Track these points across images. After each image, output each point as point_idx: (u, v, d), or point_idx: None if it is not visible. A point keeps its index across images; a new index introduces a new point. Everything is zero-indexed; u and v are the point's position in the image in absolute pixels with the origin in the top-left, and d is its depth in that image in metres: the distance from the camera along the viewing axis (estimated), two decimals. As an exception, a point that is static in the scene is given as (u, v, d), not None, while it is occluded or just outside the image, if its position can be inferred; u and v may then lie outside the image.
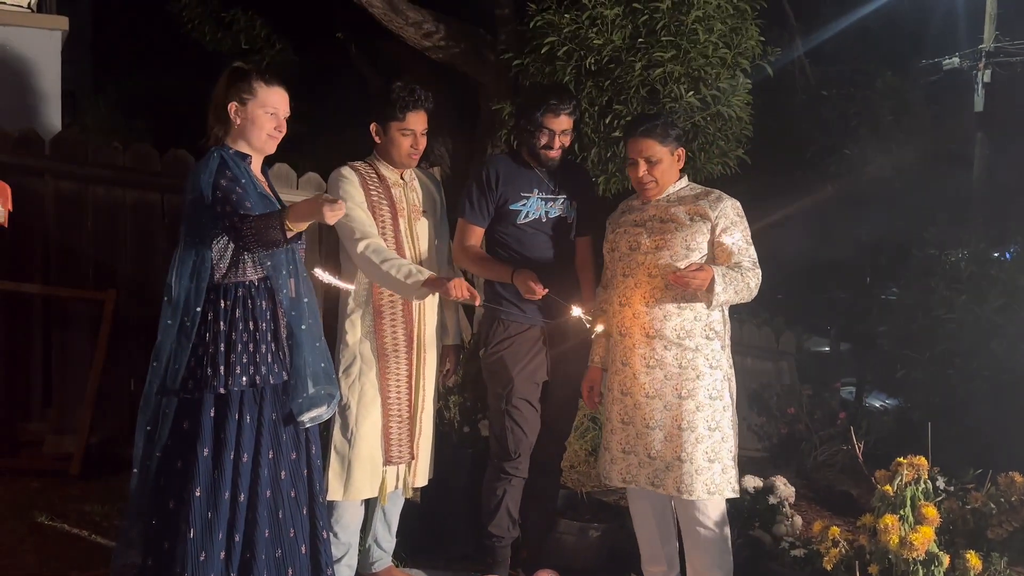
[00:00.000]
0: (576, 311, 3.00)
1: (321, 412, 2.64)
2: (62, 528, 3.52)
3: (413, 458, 3.14)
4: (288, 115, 2.65)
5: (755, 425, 5.77)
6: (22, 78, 5.00)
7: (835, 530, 2.76)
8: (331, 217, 2.39)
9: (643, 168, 3.04)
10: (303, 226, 2.44)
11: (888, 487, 2.68)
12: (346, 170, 3.11)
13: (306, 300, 2.62)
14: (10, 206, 1.74)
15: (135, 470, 2.50)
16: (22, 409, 4.44)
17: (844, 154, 8.28)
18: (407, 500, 3.36)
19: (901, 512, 2.62)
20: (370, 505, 3.24)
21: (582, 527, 3.50)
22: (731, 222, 3.00)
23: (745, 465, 5.55)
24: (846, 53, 8.52)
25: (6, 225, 1.79)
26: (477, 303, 2.96)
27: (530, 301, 3.13)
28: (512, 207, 3.21)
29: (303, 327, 2.59)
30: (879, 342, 6.14)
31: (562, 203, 3.27)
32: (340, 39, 6.03)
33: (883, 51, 8.75)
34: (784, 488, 3.71)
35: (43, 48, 5.08)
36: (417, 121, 3.08)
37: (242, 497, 2.45)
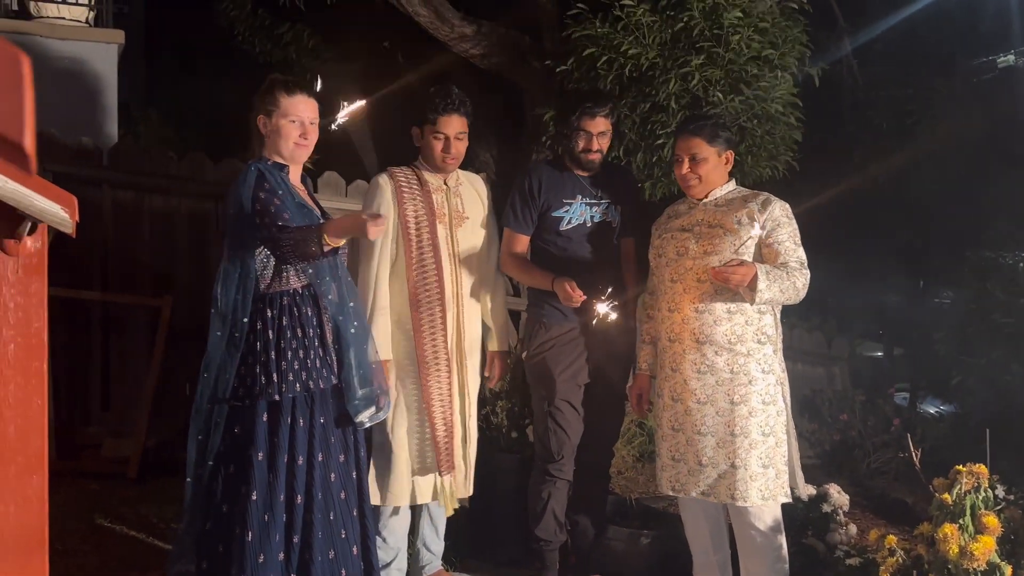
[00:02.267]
0: (601, 308, 2.99)
1: (373, 413, 2.66)
2: (120, 530, 3.61)
3: (452, 467, 3.12)
4: (315, 121, 2.66)
5: (807, 432, 5.69)
6: (81, 91, 5.15)
7: (892, 539, 2.71)
8: (374, 233, 2.41)
9: (686, 166, 3.04)
10: (341, 241, 2.45)
11: (947, 495, 2.62)
12: (382, 179, 3.13)
13: (351, 304, 2.64)
14: (76, 217, 1.79)
15: (188, 479, 2.55)
16: (81, 413, 4.56)
17: (894, 156, 8.12)
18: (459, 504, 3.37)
19: (960, 521, 2.56)
20: (417, 509, 3.26)
21: (631, 534, 3.48)
22: (778, 224, 2.97)
23: (797, 472, 5.48)
24: (896, 53, 8.36)
25: (73, 236, 1.84)
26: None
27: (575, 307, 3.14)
28: (555, 214, 3.22)
29: (351, 330, 2.62)
30: (934, 347, 6.01)
31: (605, 207, 3.27)
32: (387, 48, 6.09)
33: (934, 50, 8.57)
34: (838, 496, 3.66)
35: (101, 61, 5.23)
36: (450, 125, 3.06)
37: (299, 499, 2.48)
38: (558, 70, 4.82)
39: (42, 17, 5.19)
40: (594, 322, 3.04)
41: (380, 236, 2.50)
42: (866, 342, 9.40)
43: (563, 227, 3.21)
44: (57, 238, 2.02)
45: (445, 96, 3.05)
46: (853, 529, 3.59)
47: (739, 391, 2.94)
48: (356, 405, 2.61)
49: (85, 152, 4.55)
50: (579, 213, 3.23)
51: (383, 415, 2.72)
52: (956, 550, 2.47)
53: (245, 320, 2.51)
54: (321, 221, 2.61)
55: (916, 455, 3.09)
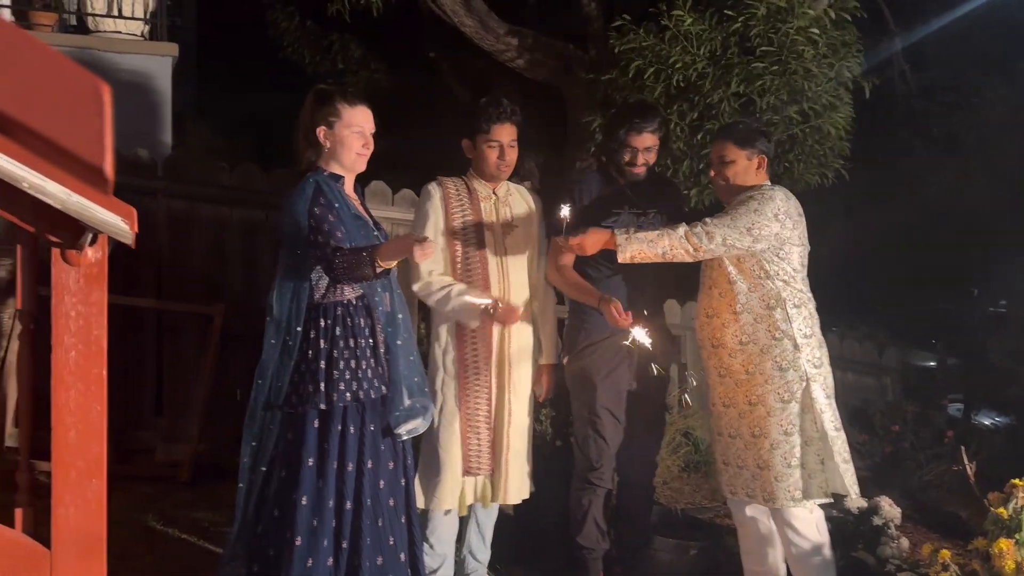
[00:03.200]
0: (638, 334, 2.97)
1: (417, 425, 2.68)
2: (173, 533, 3.68)
3: (492, 471, 3.14)
4: (374, 131, 2.71)
5: (857, 443, 5.59)
6: (137, 102, 5.29)
7: (945, 553, 2.65)
8: (420, 256, 2.45)
9: (717, 169, 3.06)
10: (392, 263, 2.49)
11: (1002, 510, 2.57)
12: (432, 186, 3.18)
13: (400, 316, 2.68)
14: (136, 228, 1.85)
15: (240, 484, 2.60)
16: (135, 418, 4.67)
17: (948, 161, 7.98)
18: (502, 512, 3.38)
19: (1016, 536, 2.51)
20: (464, 517, 3.28)
21: (678, 544, 3.46)
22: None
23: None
24: (950, 58, 8.21)
25: (133, 247, 1.90)
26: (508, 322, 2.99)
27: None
28: (603, 224, 3.22)
29: (398, 342, 2.66)
30: (988, 357, 5.88)
31: (652, 217, 3.26)
32: (432, 58, 6.15)
33: (988, 53, 8.39)
34: (889, 509, 3.59)
35: (156, 74, 5.36)
36: (503, 133, 3.11)
37: (348, 505, 2.52)
38: (603, 79, 4.82)
39: (100, 32, 5.35)
40: (628, 342, 3.03)
41: (426, 259, 2.54)
42: (918, 352, 9.23)
43: None
44: (113, 246, 2.09)
45: (497, 105, 3.10)
46: (905, 543, 3.52)
47: (755, 391, 2.94)
48: (397, 417, 2.64)
49: (141, 163, 4.67)
50: (626, 223, 3.22)
51: (421, 429, 2.73)
52: (1012, 566, 2.42)
53: (299, 329, 2.56)
54: (375, 232, 2.65)
55: (970, 468, 3.03)
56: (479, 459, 3.12)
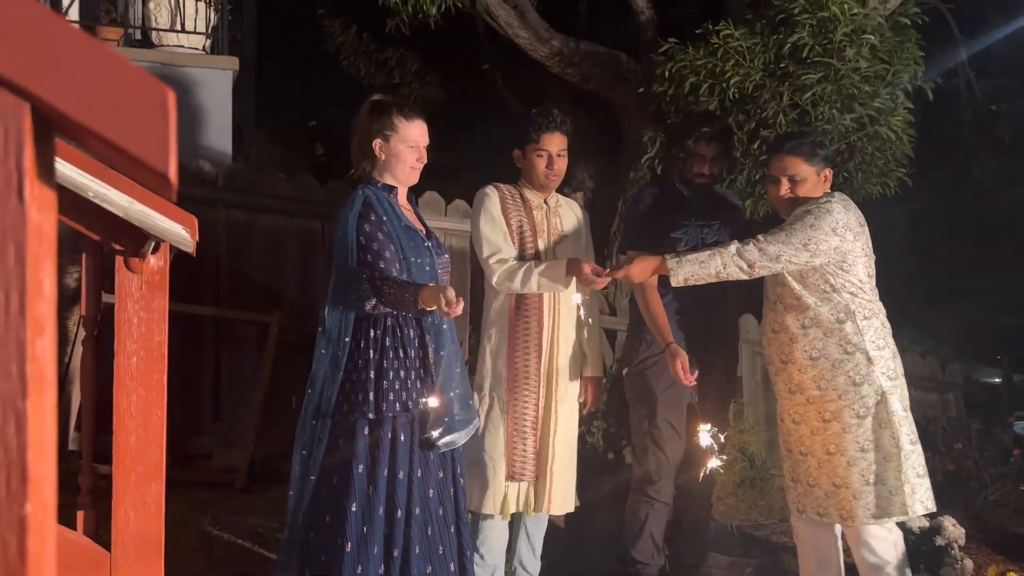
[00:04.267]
0: (704, 439, 2.93)
1: (456, 438, 2.65)
2: (228, 538, 3.74)
3: (537, 478, 3.13)
4: (427, 144, 2.73)
5: (918, 460, 5.44)
6: (198, 115, 5.41)
7: (1012, 575, 2.56)
8: (448, 313, 2.44)
9: (785, 187, 2.95)
10: (433, 307, 2.47)
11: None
12: (489, 188, 3.20)
13: (445, 326, 2.67)
14: (197, 237, 1.88)
15: (291, 492, 2.62)
16: (194, 423, 4.76)
17: (1016, 170, 7.75)
18: (552, 525, 3.36)
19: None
20: (515, 528, 3.27)
21: (733, 562, 3.40)
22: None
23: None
24: (1017, 65, 7.99)
25: (193, 255, 1.93)
26: (600, 285, 2.95)
27: (678, 321, 3.11)
28: (673, 235, 3.21)
29: (442, 353, 2.65)
30: (1058, 374, 5.68)
31: (716, 228, 3.24)
32: (486, 70, 6.18)
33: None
34: (953, 529, 3.48)
35: (216, 87, 5.48)
36: (552, 142, 3.12)
37: (399, 513, 2.52)
38: (657, 91, 4.79)
39: (163, 46, 5.49)
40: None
41: (454, 317, 2.54)
42: (983, 367, 8.96)
43: (679, 248, 3.17)
44: (175, 254, 2.14)
45: (546, 115, 3.13)
46: (969, 564, 3.41)
47: (829, 408, 2.85)
48: (440, 430, 2.61)
49: (202, 175, 4.77)
50: (693, 235, 3.22)
51: (461, 442, 2.68)
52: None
53: (347, 340, 2.58)
54: (426, 243, 2.65)
55: (1038, 488, 2.93)
56: (523, 465, 3.11)
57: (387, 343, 2.56)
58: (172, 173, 0.55)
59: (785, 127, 4.46)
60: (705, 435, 2.92)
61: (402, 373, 2.56)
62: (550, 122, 3.10)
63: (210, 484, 4.37)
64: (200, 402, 4.79)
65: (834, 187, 4.75)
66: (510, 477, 3.10)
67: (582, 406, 3.32)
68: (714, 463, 2.95)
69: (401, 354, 2.57)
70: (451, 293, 2.40)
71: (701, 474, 2.98)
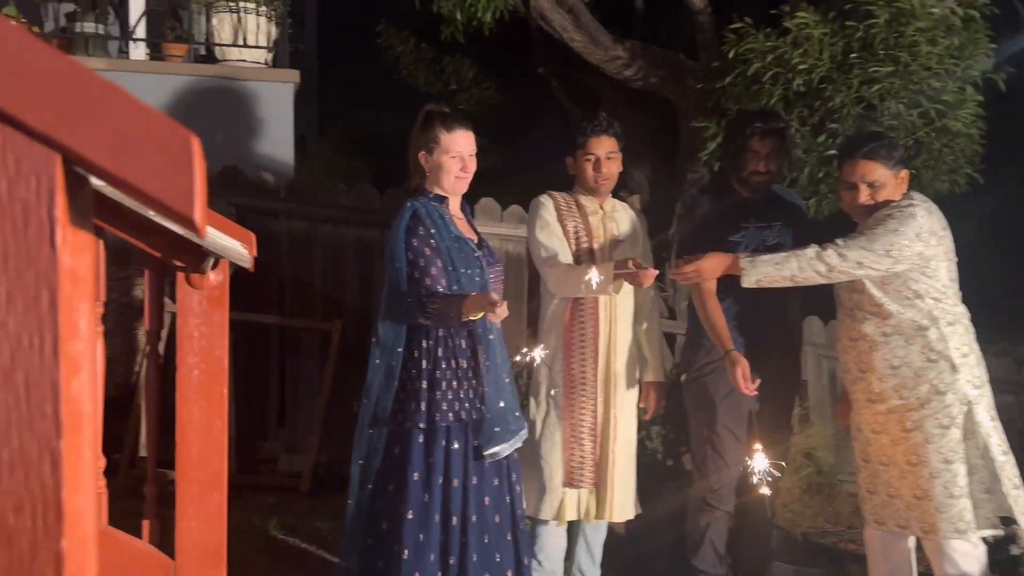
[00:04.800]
0: (758, 463, 2.86)
1: (502, 448, 2.64)
2: (293, 542, 3.81)
3: (597, 484, 3.11)
4: (474, 152, 2.74)
5: (994, 466, 5.25)
6: (261, 128, 5.53)
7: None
8: (494, 318, 2.52)
9: (865, 194, 2.81)
10: (478, 315, 2.54)
11: None
12: (544, 197, 3.20)
13: (492, 336, 2.68)
14: (254, 252, 1.93)
15: (349, 501, 2.66)
16: (260, 429, 4.86)
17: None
18: (613, 531, 3.34)
19: None
20: (573, 534, 3.26)
21: (798, 571, 3.33)
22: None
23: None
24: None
25: (251, 270, 1.98)
26: (646, 283, 2.89)
27: (737, 326, 3.07)
28: (732, 239, 3.14)
29: (487, 363, 2.66)
30: None
31: (777, 230, 3.16)
32: (541, 74, 6.19)
33: None
34: (1030, 538, 3.34)
35: (278, 100, 5.59)
36: (599, 146, 3.10)
37: (454, 520, 2.54)
38: (717, 87, 4.73)
39: (227, 60, 5.63)
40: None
41: (500, 319, 2.58)
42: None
43: (739, 252, 3.11)
44: (238, 265, 2.19)
45: (593, 119, 3.13)
46: (1048, 575, 3.28)
47: (911, 417, 2.75)
48: (487, 439, 2.62)
49: (265, 185, 4.88)
50: (753, 239, 3.15)
51: (503, 453, 2.67)
52: None
53: (400, 350, 2.62)
54: (476, 252, 2.66)
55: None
56: (582, 471, 3.09)
57: (439, 353, 2.59)
58: (198, 216, 0.57)
59: (851, 123, 4.36)
60: (760, 458, 2.82)
61: (455, 383, 2.58)
62: (596, 126, 3.09)
63: (276, 489, 4.46)
64: (266, 409, 4.89)
65: (901, 185, 4.64)
66: (568, 483, 3.09)
67: (643, 412, 3.29)
68: (765, 490, 2.87)
69: (453, 364, 2.60)
70: (493, 296, 2.43)
71: (756, 492, 2.90)
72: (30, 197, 0.55)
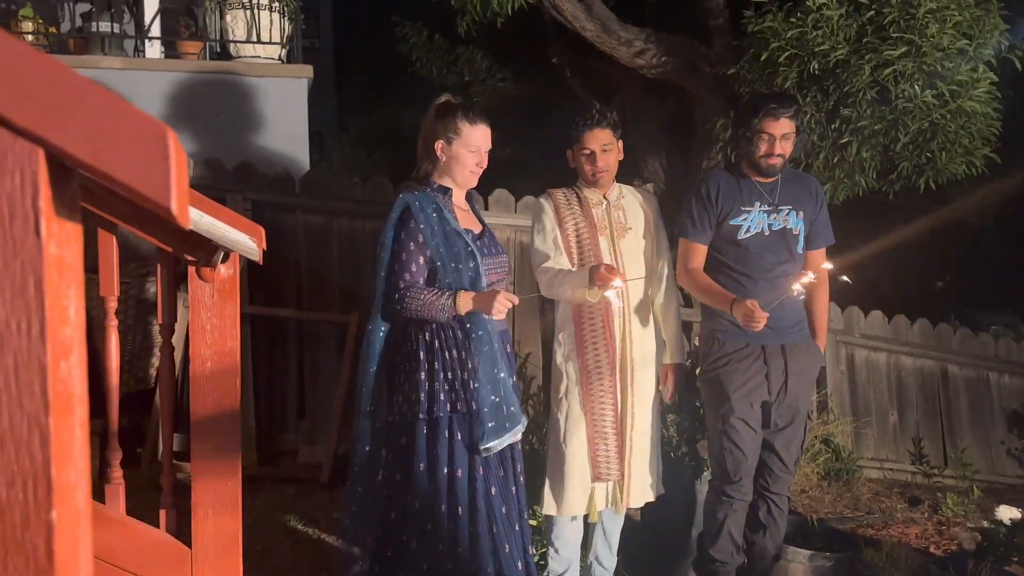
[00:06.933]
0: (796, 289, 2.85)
1: (494, 444, 2.60)
2: (313, 532, 3.87)
3: (622, 476, 3.13)
4: (489, 149, 2.75)
5: (1015, 449, 5.22)
6: (276, 123, 5.58)
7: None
8: (495, 315, 2.54)
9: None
10: (468, 309, 2.56)
11: None
12: (543, 198, 3.22)
13: (480, 332, 2.63)
14: (264, 246, 1.97)
15: (359, 488, 2.67)
16: (280, 422, 4.93)
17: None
18: (628, 519, 3.36)
19: None
20: (589, 522, 3.28)
21: (812, 555, 3.33)
22: None
23: (1003, 492, 5.04)
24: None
25: (260, 263, 2.02)
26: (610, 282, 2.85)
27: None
28: (732, 222, 3.12)
29: (478, 356, 2.63)
30: None
31: (786, 214, 3.14)
32: (555, 64, 6.20)
33: None
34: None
35: (292, 95, 5.64)
36: (592, 139, 3.09)
37: (460, 511, 2.56)
38: (730, 72, 4.72)
39: (241, 57, 5.68)
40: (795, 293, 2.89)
41: (501, 318, 2.59)
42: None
43: (741, 236, 3.12)
44: (255, 261, 2.23)
45: (585, 112, 3.10)
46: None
47: None
48: (482, 434, 2.60)
49: (280, 180, 4.93)
50: (756, 222, 3.12)
51: (496, 449, 2.63)
52: None
53: (399, 340, 2.65)
54: (469, 247, 2.66)
55: None
56: (608, 464, 3.10)
57: (436, 345, 2.60)
58: (175, 204, 0.60)
59: (865, 107, 4.33)
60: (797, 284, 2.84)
61: (450, 375, 2.58)
62: (588, 119, 3.07)
63: (296, 480, 4.52)
64: (286, 401, 4.96)
65: (917, 169, 4.62)
66: (596, 478, 3.10)
67: (662, 395, 3.31)
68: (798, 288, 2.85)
69: (447, 356, 2.60)
70: (502, 295, 2.46)
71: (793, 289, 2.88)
72: (15, 190, 0.58)
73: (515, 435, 2.69)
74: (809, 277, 2.87)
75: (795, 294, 2.87)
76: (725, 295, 3.04)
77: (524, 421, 2.75)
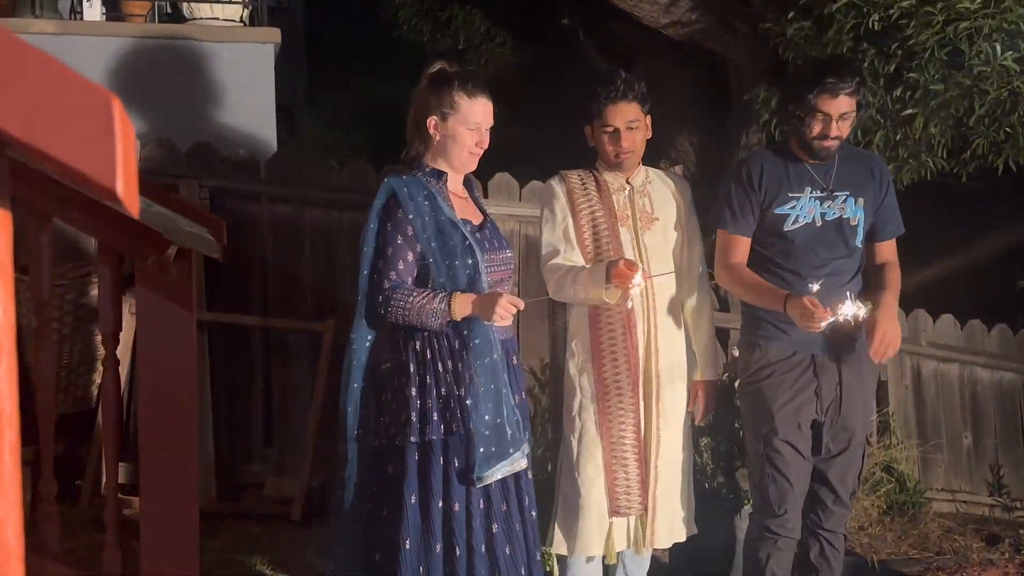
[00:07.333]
0: (847, 310, 2.83)
1: (491, 472, 2.60)
2: (283, 578, 3.87)
3: (645, 510, 3.12)
4: (491, 125, 2.75)
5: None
6: (236, 97, 5.56)
7: None
8: (498, 321, 2.55)
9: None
10: (465, 314, 2.56)
11: None
12: (555, 180, 3.23)
13: (478, 340, 2.63)
14: (224, 241, 1.97)
15: (338, 523, 2.70)
16: (243, 449, 4.92)
17: None
18: (655, 560, 3.36)
19: None
20: (607, 564, 3.27)
21: (872, 604, 3.33)
22: None
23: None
24: None
25: (220, 260, 2.03)
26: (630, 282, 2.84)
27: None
28: (778, 211, 3.11)
29: (477, 372, 2.63)
30: None
31: (843, 202, 3.12)
32: (566, 26, 6.19)
33: None
34: None
35: (256, 64, 5.63)
36: (617, 115, 3.08)
37: (458, 551, 2.55)
38: (773, 29, 4.67)
39: (196, 19, 5.69)
40: (842, 318, 2.83)
41: (505, 324, 2.60)
42: None
43: (787, 227, 3.10)
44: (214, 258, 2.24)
45: (608, 83, 3.08)
46: None
47: None
48: (478, 463, 2.59)
49: (243, 164, 4.93)
50: (807, 210, 3.10)
51: (498, 476, 2.63)
52: None
53: (385, 350, 2.66)
54: (466, 240, 2.66)
55: None
56: (628, 497, 3.10)
57: (428, 356, 2.60)
58: (121, 187, 0.60)
59: (933, 70, 4.30)
60: (850, 306, 2.80)
61: (444, 391, 2.58)
62: (612, 90, 3.06)
63: (262, 517, 4.51)
64: (250, 424, 4.95)
65: (994, 147, 4.60)
66: (614, 512, 3.10)
67: (693, 416, 3.29)
68: (851, 311, 2.82)
69: (441, 368, 2.60)
70: (504, 297, 2.46)
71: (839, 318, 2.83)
72: (-68, 170, 0.58)
73: (516, 463, 2.66)
74: (865, 310, 2.84)
75: (841, 319, 2.84)
76: (777, 291, 3.02)
77: (527, 447, 2.73)
